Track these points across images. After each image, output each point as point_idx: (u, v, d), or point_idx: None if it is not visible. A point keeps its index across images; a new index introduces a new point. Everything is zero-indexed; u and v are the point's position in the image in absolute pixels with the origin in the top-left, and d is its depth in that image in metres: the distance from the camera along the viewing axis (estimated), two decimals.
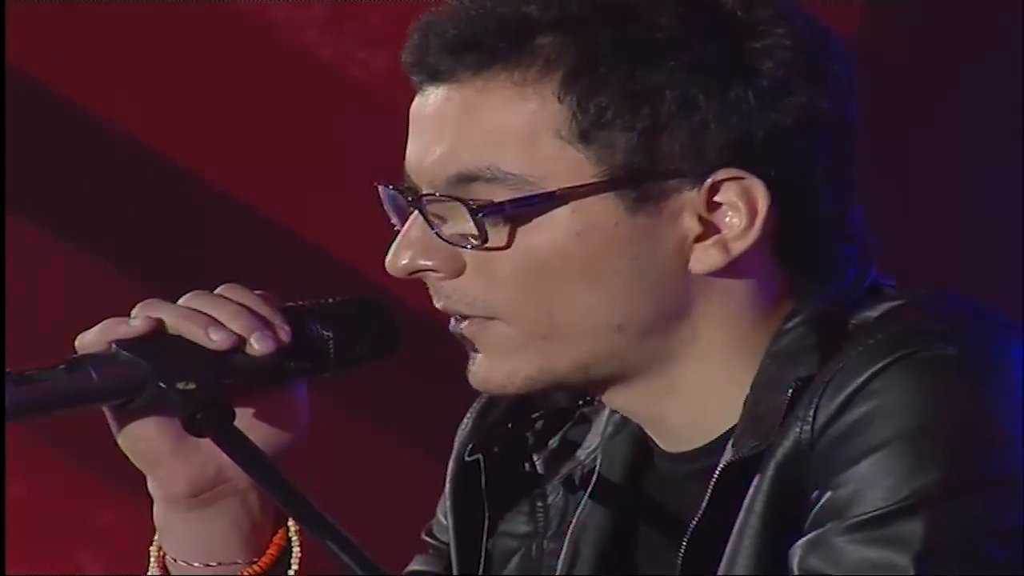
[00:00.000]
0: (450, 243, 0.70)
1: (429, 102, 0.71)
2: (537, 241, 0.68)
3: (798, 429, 0.64)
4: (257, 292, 0.76)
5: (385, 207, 0.76)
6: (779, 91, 0.68)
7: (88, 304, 2.61)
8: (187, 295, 0.74)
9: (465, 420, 0.85)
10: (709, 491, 0.67)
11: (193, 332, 0.71)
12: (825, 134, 0.70)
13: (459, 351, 0.75)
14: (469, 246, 0.69)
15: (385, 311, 0.80)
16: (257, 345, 0.71)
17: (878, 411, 0.62)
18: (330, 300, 0.78)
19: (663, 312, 0.70)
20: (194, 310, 0.72)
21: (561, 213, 0.68)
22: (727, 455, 0.68)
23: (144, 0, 2.80)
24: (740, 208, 0.68)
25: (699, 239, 0.69)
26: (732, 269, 0.70)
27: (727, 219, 0.69)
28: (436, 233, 0.70)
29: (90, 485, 1.94)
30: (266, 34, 3.10)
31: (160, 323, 0.71)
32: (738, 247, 0.69)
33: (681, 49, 0.66)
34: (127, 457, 0.76)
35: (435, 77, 0.70)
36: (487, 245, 0.68)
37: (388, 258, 0.72)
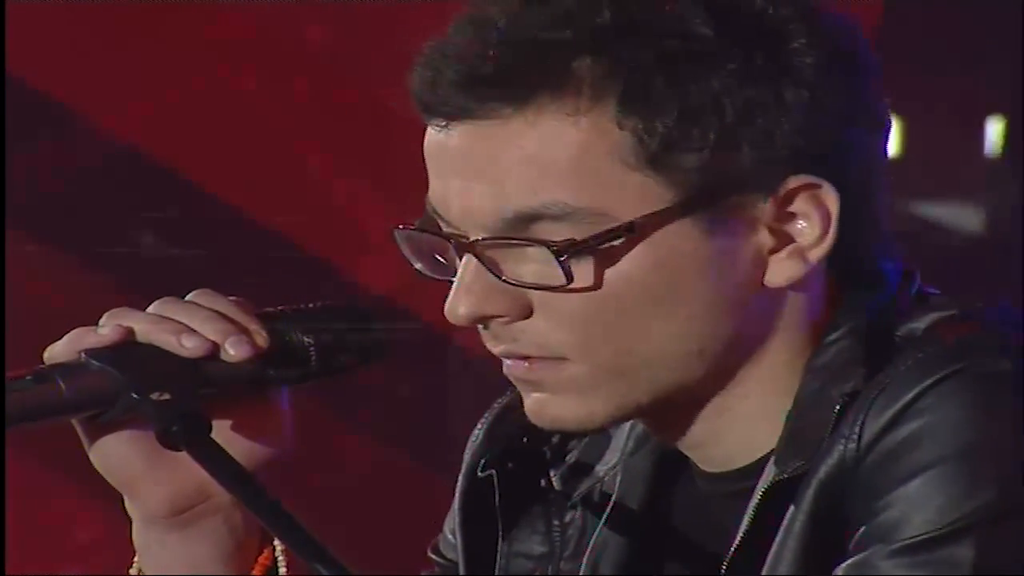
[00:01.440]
0: (522, 287, 0.66)
1: (458, 140, 0.66)
2: (614, 275, 0.65)
3: (842, 446, 0.61)
4: (231, 298, 0.73)
5: (404, 250, 0.72)
6: (825, 89, 0.65)
7: (62, 311, 2.60)
8: (157, 302, 0.72)
9: (476, 433, 0.83)
10: (750, 512, 0.65)
11: (165, 339, 0.68)
12: (870, 130, 0.69)
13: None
14: (552, 288, 0.65)
15: (370, 316, 0.77)
16: (232, 351, 0.69)
17: (928, 429, 0.59)
18: (311, 305, 0.76)
19: (741, 331, 0.68)
20: (165, 317, 0.70)
21: (639, 243, 0.65)
22: (769, 474, 0.65)
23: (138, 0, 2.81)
24: (812, 215, 0.66)
25: (773, 251, 0.67)
26: (801, 280, 0.68)
27: (800, 227, 0.67)
28: (501, 278, 0.66)
29: (70, 501, 1.92)
30: (257, 34, 3.11)
31: (130, 331, 0.69)
32: (815, 255, 0.67)
33: (727, 58, 0.64)
34: None
35: (466, 114, 0.65)
36: (571, 287, 0.65)
37: (448, 307, 0.68)
